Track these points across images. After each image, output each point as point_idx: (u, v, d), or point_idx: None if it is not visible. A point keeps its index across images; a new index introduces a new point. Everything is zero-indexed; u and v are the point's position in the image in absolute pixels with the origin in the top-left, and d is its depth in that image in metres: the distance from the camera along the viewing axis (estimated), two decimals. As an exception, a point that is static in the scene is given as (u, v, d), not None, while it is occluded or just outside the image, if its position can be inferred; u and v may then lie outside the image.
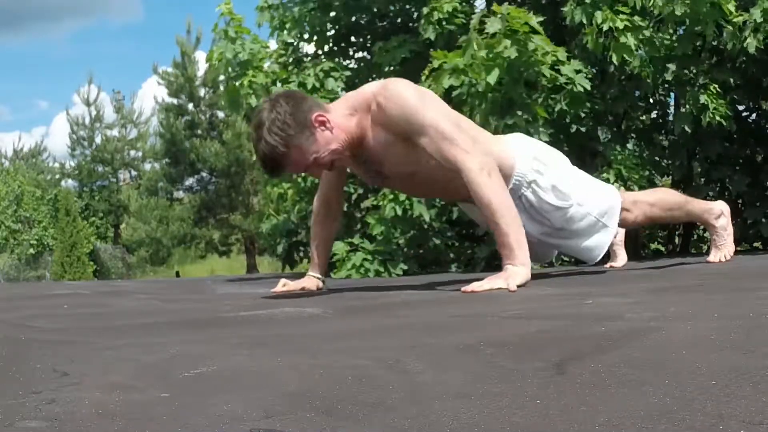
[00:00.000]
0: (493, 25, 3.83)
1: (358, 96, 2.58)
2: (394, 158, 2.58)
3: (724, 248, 3.16)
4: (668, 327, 1.33)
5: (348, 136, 2.54)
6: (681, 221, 3.16)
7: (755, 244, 5.16)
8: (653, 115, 5.13)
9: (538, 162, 2.70)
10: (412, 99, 2.49)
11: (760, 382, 0.94)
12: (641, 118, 5.13)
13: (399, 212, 4.22)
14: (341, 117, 2.54)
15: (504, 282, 2.33)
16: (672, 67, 4.21)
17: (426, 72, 4.14)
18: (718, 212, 3.13)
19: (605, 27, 4.03)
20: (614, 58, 4.02)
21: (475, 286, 2.32)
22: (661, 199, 3.08)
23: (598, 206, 2.80)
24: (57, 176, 26.55)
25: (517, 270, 2.37)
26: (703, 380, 0.97)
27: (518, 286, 2.32)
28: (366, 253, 4.35)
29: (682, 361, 1.08)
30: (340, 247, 4.42)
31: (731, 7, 3.91)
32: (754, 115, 5.08)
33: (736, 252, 3.33)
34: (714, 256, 3.16)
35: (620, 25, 4.01)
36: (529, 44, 3.87)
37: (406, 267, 4.36)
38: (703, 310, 1.57)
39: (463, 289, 2.34)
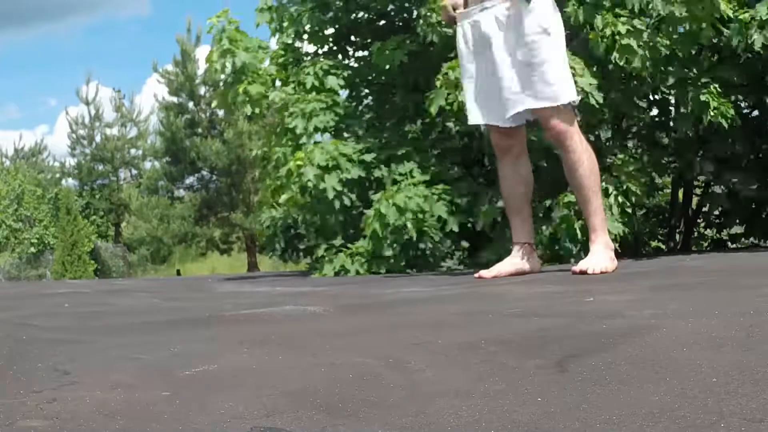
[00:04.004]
0: None
1: None
2: None
3: (594, 260, 2.89)
4: (669, 324, 1.33)
5: None
6: (587, 197, 2.95)
7: (755, 242, 5.16)
8: (654, 113, 5.10)
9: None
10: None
11: (761, 380, 0.94)
12: (642, 116, 5.11)
13: (392, 221, 4.20)
14: None
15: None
16: (672, 69, 4.19)
17: (441, 78, 4.10)
18: (607, 239, 3.00)
19: (608, 32, 4.01)
20: (618, 59, 4.00)
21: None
22: (593, 160, 2.99)
23: (567, 66, 3.01)
24: (57, 175, 26.56)
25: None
26: (703, 378, 0.97)
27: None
28: (346, 254, 4.34)
29: (683, 358, 1.08)
30: (320, 249, 4.46)
31: (726, 7, 3.90)
32: (757, 113, 5.06)
33: (737, 249, 3.30)
34: (581, 264, 2.89)
35: (622, 29, 3.99)
36: None
37: (389, 268, 4.33)
38: (703, 307, 1.56)
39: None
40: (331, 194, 4.30)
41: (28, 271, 21.92)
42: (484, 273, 3.05)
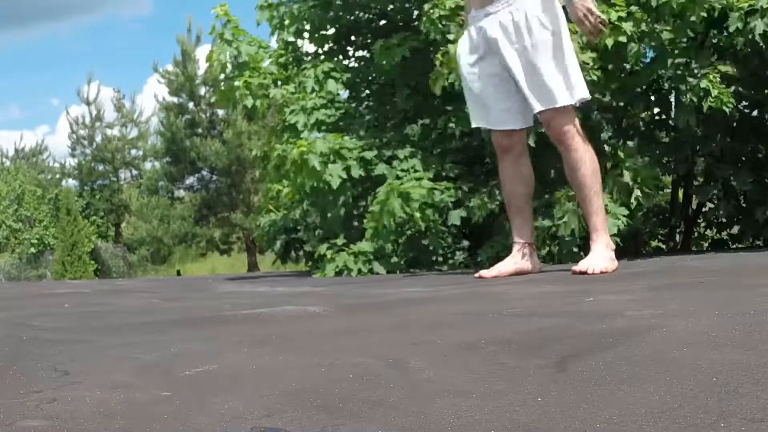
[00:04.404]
0: None
1: None
2: None
3: (594, 260, 2.91)
4: (669, 324, 1.33)
5: None
6: (588, 197, 2.99)
7: (757, 242, 5.16)
8: (655, 111, 5.11)
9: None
10: None
11: (761, 380, 0.94)
12: (642, 115, 5.11)
13: (398, 211, 4.20)
14: None
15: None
16: (671, 60, 4.20)
17: (439, 57, 4.06)
18: (609, 240, 3.03)
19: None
20: (609, 43, 4.01)
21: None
22: (593, 157, 3.02)
23: (573, 66, 2.97)
24: (57, 176, 26.57)
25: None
26: (704, 377, 0.97)
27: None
28: (349, 254, 4.35)
29: (683, 358, 1.08)
30: (322, 248, 4.46)
31: None
32: (755, 112, 5.06)
33: (737, 249, 3.31)
34: (581, 264, 2.90)
35: (614, 16, 4.02)
36: None
37: (390, 267, 4.34)
38: (703, 307, 1.56)
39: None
40: (336, 182, 4.29)
41: (28, 272, 21.93)
42: (484, 273, 3.05)
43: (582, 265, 2.85)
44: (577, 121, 3.01)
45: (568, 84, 2.94)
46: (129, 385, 1.11)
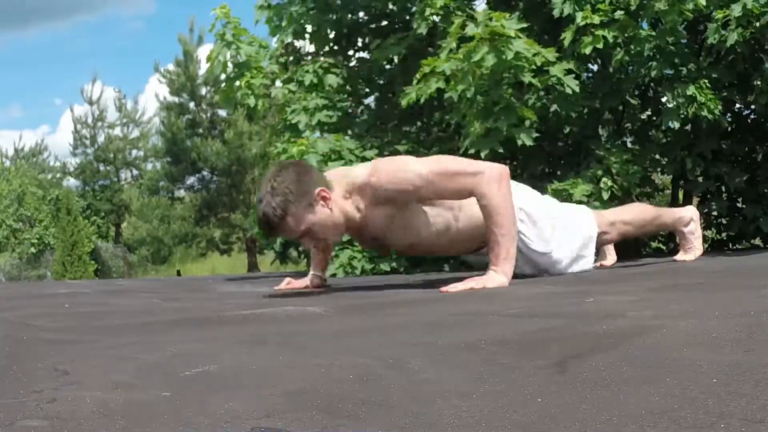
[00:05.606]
0: (472, 30, 3.82)
1: (349, 181, 2.66)
2: (396, 232, 2.72)
3: (691, 251, 3.40)
4: (669, 325, 1.33)
5: (345, 217, 2.65)
6: (652, 234, 3.51)
7: (753, 241, 5.15)
8: (649, 112, 5.12)
9: (521, 212, 2.84)
10: (400, 166, 2.61)
11: (761, 380, 0.94)
12: (641, 117, 5.12)
13: None
14: (340, 198, 2.64)
15: (482, 284, 2.43)
16: (654, 63, 4.20)
17: (417, 77, 4.13)
18: (688, 219, 3.38)
19: (582, 23, 4.04)
20: (587, 50, 4.02)
21: (450, 288, 2.41)
22: (636, 217, 3.31)
23: (578, 241, 3.02)
24: (58, 175, 26.58)
25: (497, 277, 2.49)
26: (704, 378, 0.97)
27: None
28: (353, 251, 4.34)
29: (683, 359, 1.08)
30: None
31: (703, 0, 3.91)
32: (752, 114, 5.06)
33: (737, 250, 3.37)
34: (681, 257, 3.41)
35: (597, 20, 4.02)
36: (508, 51, 3.78)
37: (395, 264, 4.34)
38: (704, 308, 1.56)
39: (442, 289, 2.41)
40: None
41: (28, 271, 21.94)
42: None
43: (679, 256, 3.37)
44: (608, 220, 3.19)
45: (583, 220, 3.09)
46: (129, 385, 1.11)
